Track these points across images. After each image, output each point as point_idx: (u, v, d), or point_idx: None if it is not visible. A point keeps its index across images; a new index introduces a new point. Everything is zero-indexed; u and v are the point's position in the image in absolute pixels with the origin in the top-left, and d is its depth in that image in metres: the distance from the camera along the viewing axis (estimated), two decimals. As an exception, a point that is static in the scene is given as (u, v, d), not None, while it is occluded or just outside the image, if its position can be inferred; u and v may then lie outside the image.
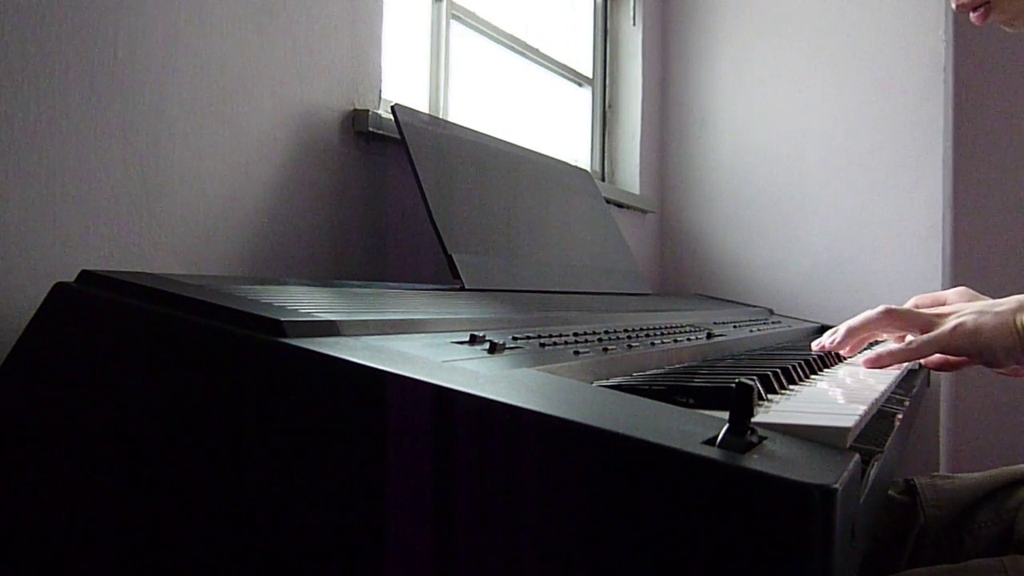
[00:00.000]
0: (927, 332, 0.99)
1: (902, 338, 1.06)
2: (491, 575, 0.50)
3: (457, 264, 1.21)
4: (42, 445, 0.66)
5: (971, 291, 1.12)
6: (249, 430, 0.58)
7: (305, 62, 1.24)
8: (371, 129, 1.31)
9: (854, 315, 1.07)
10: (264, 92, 1.17)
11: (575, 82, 2.32)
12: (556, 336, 0.84)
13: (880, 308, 1.02)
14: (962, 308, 1.02)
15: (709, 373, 0.78)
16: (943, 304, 1.11)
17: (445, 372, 0.56)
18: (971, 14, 1.08)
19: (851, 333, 1.04)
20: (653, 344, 0.90)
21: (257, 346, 0.59)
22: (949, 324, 0.98)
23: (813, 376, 0.88)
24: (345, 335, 0.63)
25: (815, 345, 1.07)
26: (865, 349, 1.11)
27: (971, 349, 0.98)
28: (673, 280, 2.46)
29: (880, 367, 0.98)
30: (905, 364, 1.06)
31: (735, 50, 2.42)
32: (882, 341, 1.24)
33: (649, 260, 2.42)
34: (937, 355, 1.03)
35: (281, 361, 0.58)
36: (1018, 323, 0.97)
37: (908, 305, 1.10)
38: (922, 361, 1.08)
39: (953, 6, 1.09)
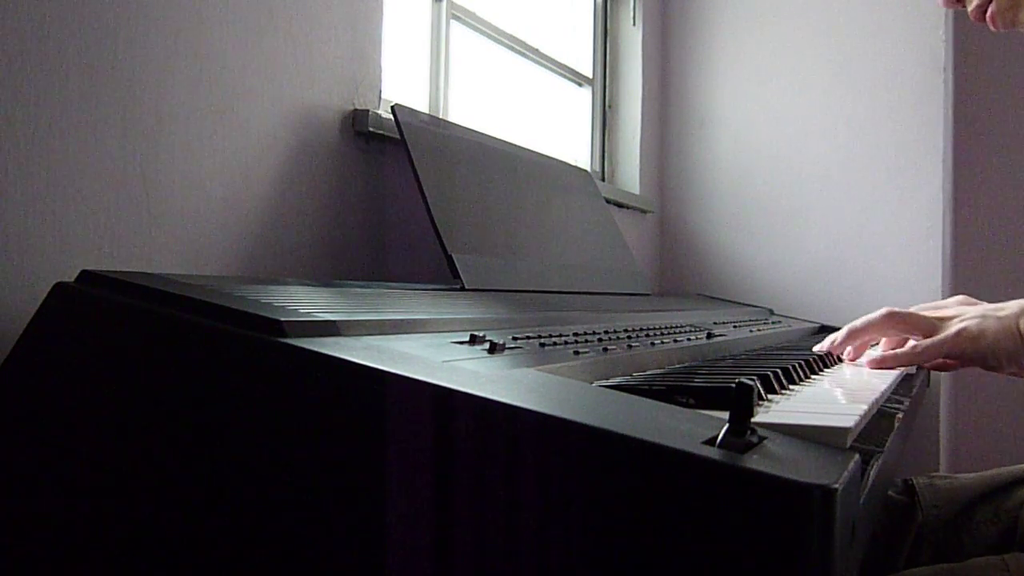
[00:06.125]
0: (930, 335, 1.00)
1: (902, 341, 1.06)
2: (491, 575, 0.50)
3: (457, 264, 1.21)
4: (42, 445, 0.66)
5: (970, 299, 1.12)
6: (249, 430, 0.58)
7: (305, 62, 1.24)
8: (371, 129, 1.31)
9: (854, 316, 1.07)
10: (264, 92, 1.17)
11: (575, 82, 2.32)
12: (556, 336, 0.84)
13: (883, 311, 1.03)
14: (964, 312, 1.02)
15: (709, 373, 0.78)
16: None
17: (445, 372, 0.56)
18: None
19: (853, 335, 1.04)
20: (653, 344, 0.90)
21: (257, 346, 0.59)
22: (953, 328, 0.99)
23: (813, 376, 0.88)
24: (345, 335, 0.63)
25: (818, 348, 1.06)
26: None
27: (974, 354, 0.99)
28: (673, 280, 2.46)
29: (884, 368, 0.98)
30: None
31: (735, 50, 2.42)
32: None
33: (649, 260, 2.42)
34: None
35: (281, 361, 0.58)
36: (1021, 328, 0.97)
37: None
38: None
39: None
